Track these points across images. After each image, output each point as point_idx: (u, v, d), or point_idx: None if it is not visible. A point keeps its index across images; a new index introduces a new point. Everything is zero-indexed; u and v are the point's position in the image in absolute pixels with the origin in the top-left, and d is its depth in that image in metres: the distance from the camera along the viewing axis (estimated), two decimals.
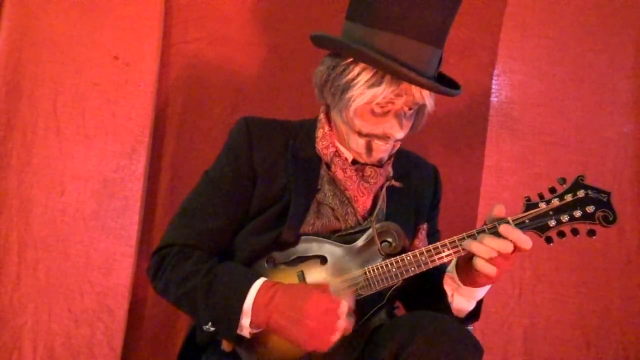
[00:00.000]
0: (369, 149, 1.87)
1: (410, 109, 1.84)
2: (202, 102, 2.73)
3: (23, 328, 2.50)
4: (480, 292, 1.85)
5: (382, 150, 1.87)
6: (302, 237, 1.87)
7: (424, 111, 1.91)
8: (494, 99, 2.64)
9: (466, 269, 1.76)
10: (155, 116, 2.63)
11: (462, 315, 1.90)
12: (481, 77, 2.70)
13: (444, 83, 1.83)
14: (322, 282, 1.79)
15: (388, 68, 1.70)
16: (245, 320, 1.72)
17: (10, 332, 2.50)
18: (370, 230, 1.84)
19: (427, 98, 1.80)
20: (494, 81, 2.65)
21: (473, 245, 1.66)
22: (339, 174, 1.92)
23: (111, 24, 2.59)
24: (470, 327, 1.87)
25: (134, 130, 2.58)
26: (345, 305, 1.68)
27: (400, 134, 1.83)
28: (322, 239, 1.86)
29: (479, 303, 1.90)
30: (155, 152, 2.68)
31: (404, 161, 2.09)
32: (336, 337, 1.67)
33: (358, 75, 1.76)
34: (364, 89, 1.75)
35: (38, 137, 2.54)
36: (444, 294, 1.87)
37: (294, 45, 2.71)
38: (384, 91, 1.74)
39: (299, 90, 2.69)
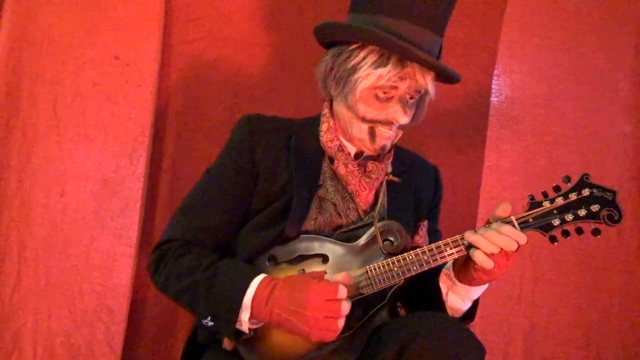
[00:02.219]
0: (373, 134, 1.88)
1: (412, 97, 1.86)
2: (202, 102, 2.73)
3: (23, 328, 2.50)
4: (475, 293, 1.85)
5: (386, 137, 1.88)
6: (304, 236, 1.87)
7: (425, 101, 1.93)
8: (494, 99, 2.64)
9: (464, 266, 1.77)
10: (155, 116, 2.63)
11: (457, 314, 1.89)
12: (481, 77, 2.71)
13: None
14: (317, 270, 1.79)
15: (396, 46, 1.74)
16: (245, 315, 1.73)
17: (10, 332, 2.50)
18: (372, 229, 1.84)
19: (430, 83, 1.83)
20: (494, 81, 2.65)
21: (475, 237, 1.67)
22: (341, 169, 1.93)
23: (111, 24, 2.59)
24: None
25: (134, 130, 2.57)
26: (343, 289, 1.69)
27: (404, 119, 1.85)
28: (323, 237, 1.87)
29: (475, 303, 1.90)
30: (155, 152, 2.68)
31: (404, 159, 2.10)
32: (342, 322, 1.69)
33: (364, 59, 1.80)
34: (371, 70, 1.78)
35: (38, 137, 2.54)
36: (439, 291, 1.87)
37: (294, 45, 2.72)
38: (389, 72, 1.77)
39: (299, 90, 2.69)
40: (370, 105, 1.84)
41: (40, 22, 2.55)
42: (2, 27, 2.54)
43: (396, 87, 1.81)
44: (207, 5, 2.71)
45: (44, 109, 2.55)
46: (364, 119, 1.86)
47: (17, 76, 2.53)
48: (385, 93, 1.82)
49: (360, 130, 1.88)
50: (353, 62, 1.81)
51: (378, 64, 1.78)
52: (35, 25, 2.55)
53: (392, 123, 1.85)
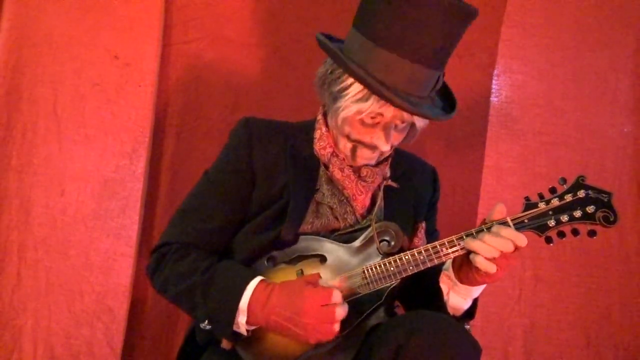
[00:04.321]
0: (354, 153, 1.90)
1: (403, 122, 1.85)
2: (202, 102, 2.73)
3: (23, 328, 2.51)
4: (476, 291, 1.85)
5: (366, 157, 1.90)
6: (302, 237, 1.88)
7: (416, 127, 1.91)
8: (494, 99, 2.64)
9: (465, 267, 1.76)
10: (155, 116, 2.63)
11: (458, 313, 1.89)
12: (481, 77, 2.70)
13: (444, 98, 1.88)
14: (312, 274, 1.81)
15: (375, 90, 1.71)
16: (242, 318, 1.74)
17: (10, 332, 2.51)
18: (369, 230, 1.84)
19: (417, 118, 1.82)
20: (494, 81, 2.64)
21: (475, 244, 1.66)
22: (337, 174, 1.93)
23: (111, 24, 2.59)
24: (468, 326, 1.87)
25: (134, 130, 2.58)
26: (337, 294, 1.71)
27: (385, 147, 1.84)
28: (321, 238, 1.88)
29: (475, 301, 1.90)
30: (155, 152, 2.69)
31: (403, 161, 2.10)
32: (337, 326, 1.70)
33: (350, 86, 1.78)
34: (351, 103, 1.77)
35: (38, 137, 2.55)
36: (439, 291, 1.87)
37: (294, 45, 2.72)
38: (370, 107, 1.76)
39: (299, 90, 2.70)
40: (355, 129, 1.84)
41: (40, 22, 2.56)
42: (2, 27, 2.54)
43: (382, 115, 1.79)
44: (207, 5, 2.71)
45: (44, 109, 2.56)
46: (348, 137, 1.87)
47: (17, 76, 2.54)
48: (372, 119, 1.80)
49: (345, 146, 1.90)
50: (340, 87, 1.79)
51: (359, 98, 1.76)
52: (35, 26, 2.55)
53: (376, 147, 1.86)
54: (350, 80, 1.77)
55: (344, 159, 1.95)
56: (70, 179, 2.56)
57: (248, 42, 2.74)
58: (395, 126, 1.84)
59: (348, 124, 1.84)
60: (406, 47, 1.70)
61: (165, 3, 2.63)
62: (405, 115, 1.79)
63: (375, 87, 1.70)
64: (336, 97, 1.81)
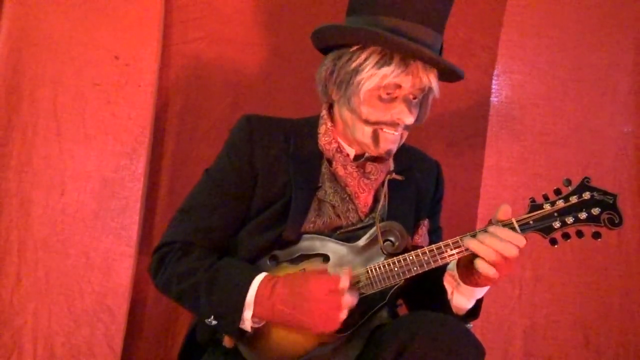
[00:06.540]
0: (376, 138, 1.86)
1: (415, 97, 1.85)
2: (202, 102, 2.73)
3: (23, 328, 2.51)
4: (480, 292, 1.84)
5: (390, 140, 1.86)
6: (305, 236, 1.87)
7: (428, 100, 1.92)
8: (494, 99, 2.64)
9: (468, 269, 1.75)
10: (155, 116, 2.63)
11: (461, 313, 1.88)
12: (481, 77, 2.71)
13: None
14: (319, 268, 1.80)
15: (400, 45, 1.73)
16: (248, 313, 1.73)
17: (10, 332, 2.50)
18: (373, 229, 1.84)
19: (434, 81, 1.82)
20: (494, 81, 2.65)
21: (474, 244, 1.66)
22: (340, 171, 1.92)
23: (111, 24, 2.59)
24: (470, 325, 1.87)
25: (134, 130, 2.58)
26: (345, 280, 1.69)
27: (409, 119, 1.83)
28: (324, 237, 1.87)
29: (479, 302, 1.89)
30: (155, 152, 2.68)
31: (406, 155, 2.08)
32: (344, 314, 1.69)
33: (365, 60, 1.79)
34: (375, 70, 1.77)
35: (38, 137, 2.55)
36: (443, 291, 1.86)
37: (294, 45, 2.72)
38: (393, 71, 1.76)
39: (299, 90, 2.70)
40: (373, 107, 1.82)
41: (41, 22, 2.55)
42: (2, 27, 2.54)
43: (400, 87, 1.79)
44: (207, 5, 2.72)
45: (44, 109, 2.55)
46: (367, 122, 1.84)
47: (17, 76, 2.54)
48: (388, 94, 1.80)
49: (364, 133, 1.86)
50: (355, 64, 1.80)
51: (381, 64, 1.76)
52: (35, 26, 2.55)
53: (398, 124, 1.84)
54: (365, 55, 1.79)
55: (347, 155, 1.94)
56: (70, 179, 2.56)
57: (248, 42, 2.74)
58: (411, 101, 1.84)
59: (367, 104, 1.82)
60: (411, 10, 1.75)
61: (165, 3, 2.62)
62: (424, 80, 1.79)
63: (403, 43, 1.72)
64: (352, 75, 1.81)
